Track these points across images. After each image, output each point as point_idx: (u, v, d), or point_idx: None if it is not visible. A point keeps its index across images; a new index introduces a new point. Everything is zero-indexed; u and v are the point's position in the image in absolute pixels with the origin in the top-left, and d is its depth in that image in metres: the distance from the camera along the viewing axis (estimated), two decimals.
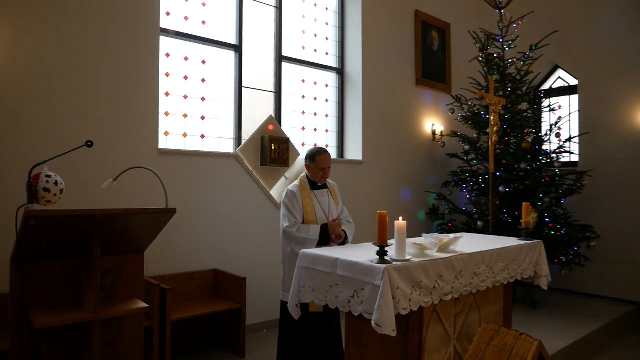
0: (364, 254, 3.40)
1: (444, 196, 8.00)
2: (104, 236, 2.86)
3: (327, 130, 7.38)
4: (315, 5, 7.26)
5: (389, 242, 3.21)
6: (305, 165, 4.37)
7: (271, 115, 6.28)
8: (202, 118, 5.92)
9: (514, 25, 7.58)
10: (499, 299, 4.34)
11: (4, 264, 2.94)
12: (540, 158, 7.34)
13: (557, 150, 7.41)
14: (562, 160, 7.61)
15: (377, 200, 7.41)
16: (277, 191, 6.16)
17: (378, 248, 3.16)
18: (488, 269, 3.88)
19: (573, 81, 8.50)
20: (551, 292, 7.74)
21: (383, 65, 7.68)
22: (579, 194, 7.37)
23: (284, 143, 6.18)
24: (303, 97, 7.04)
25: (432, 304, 3.35)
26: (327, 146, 7.34)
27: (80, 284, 2.94)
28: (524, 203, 4.75)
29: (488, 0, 7.68)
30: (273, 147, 6.05)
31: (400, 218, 3.27)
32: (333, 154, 7.40)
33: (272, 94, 6.65)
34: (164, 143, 5.55)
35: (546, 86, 8.94)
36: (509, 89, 7.57)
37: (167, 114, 5.62)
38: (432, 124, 8.50)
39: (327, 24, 7.44)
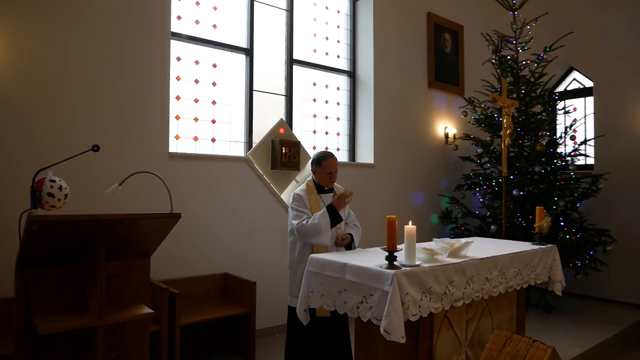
0: (373, 259, 3.35)
1: (457, 200, 7.93)
2: (108, 241, 2.84)
3: (338, 134, 7.34)
4: (327, 8, 7.23)
5: (399, 247, 3.17)
6: (312, 169, 4.32)
7: (282, 119, 6.26)
8: (213, 122, 5.91)
9: (528, 27, 7.50)
10: (511, 305, 4.27)
11: (10, 269, 2.92)
12: (555, 161, 7.26)
13: (572, 153, 7.33)
14: (577, 163, 7.51)
15: (388, 204, 7.36)
16: (288, 195, 6.13)
17: (387, 253, 3.12)
18: (500, 274, 3.81)
19: (588, 83, 8.40)
20: (566, 297, 7.64)
21: (395, 67, 7.63)
22: (595, 197, 7.27)
23: (295, 146, 6.15)
24: (314, 100, 7.01)
25: (443, 310, 3.29)
26: (338, 149, 7.31)
27: (86, 289, 2.92)
28: (537, 207, 4.68)
29: (501, 2, 7.60)
30: (284, 151, 6.02)
31: (410, 222, 3.23)
32: (344, 157, 7.37)
33: (283, 97, 6.63)
34: (174, 147, 5.54)
35: (561, 88, 8.85)
36: (523, 91, 7.50)
37: (177, 117, 5.61)
38: (445, 126, 8.43)
39: (338, 26, 7.41)
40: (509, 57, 7.59)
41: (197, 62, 5.80)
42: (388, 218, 3.13)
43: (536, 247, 4.42)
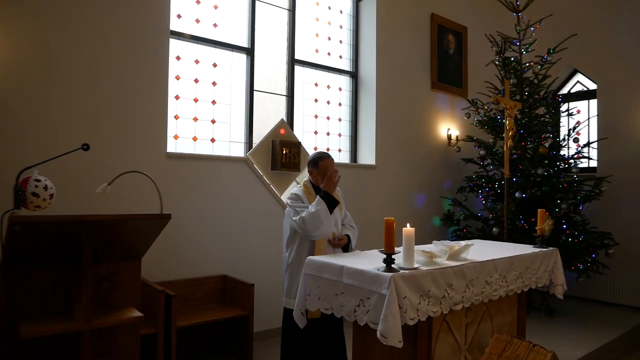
0: (370, 261, 3.30)
1: (459, 202, 7.87)
2: (96, 243, 2.78)
3: (340, 135, 7.29)
4: (329, 8, 7.19)
5: (397, 249, 3.11)
6: (308, 170, 4.25)
7: (282, 119, 6.21)
8: (213, 122, 5.87)
9: (532, 29, 7.45)
10: (512, 308, 4.21)
11: None
12: (558, 163, 7.22)
13: (575, 156, 7.28)
14: (580, 165, 7.44)
15: (390, 206, 7.31)
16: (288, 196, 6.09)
17: (385, 256, 3.07)
18: (501, 278, 3.76)
19: (592, 85, 8.35)
20: (568, 300, 7.61)
21: (398, 68, 7.58)
22: (597, 200, 7.22)
23: (295, 147, 6.10)
24: (316, 100, 6.97)
25: (442, 314, 3.24)
26: (339, 150, 7.26)
27: (73, 292, 2.86)
28: (539, 209, 4.62)
29: (506, 4, 7.54)
30: (284, 152, 5.98)
31: (408, 225, 3.18)
32: (345, 158, 7.32)
33: (284, 97, 6.58)
34: (173, 147, 5.50)
35: (564, 90, 8.79)
36: (526, 93, 7.45)
37: (177, 117, 5.57)
38: (448, 128, 8.38)
39: (341, 27, 7.36)
40: (512, 59, 7.53)
41: (197, 62, 5.75)
42: (386, 220, 3.08)
43: (538, 250, 4.36)
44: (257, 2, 6.25)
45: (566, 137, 7.41)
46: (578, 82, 8.63)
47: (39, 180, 2.81)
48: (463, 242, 3.78)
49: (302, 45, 6.81)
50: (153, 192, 3.60)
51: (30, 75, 4.40)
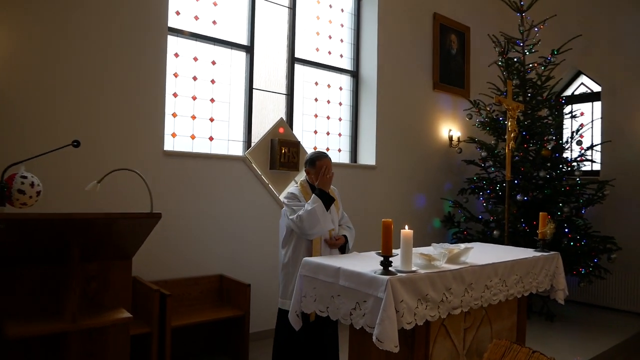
0: (368, 263, 3.23)
1: (459, 204, 7.80)
2: (85, 242, 2.71)
3: (340, 134, 7.22)
4: (331, 6, 7.11)
5: (395, 251, 3.04)
6: (305, 170, 4.21)
7: (282, 118, 6.14)
8: (211, 120, 5.80)
9: (536, 29, 7.38)
10: (512, 313, 4.14)
11: None
12: (561, 166, 7.16)
13: (578, 159, 7.22)
14: (583, 168, 7.38)
15: (390, 207, 7.23)
16: None
17: (382, 258, 2.99)
18: (500, 282, 3.68)
19: (596, 88, 8.27)
20: (569, 305, 7.53)
21: (399, 68, 7.50)
22: (600, 204, 7.15)
23: (295, 146, 6.03)
24: (316, 99, 6.89)
25: (440, 318, 3.17)
26: (339, 150, 7.19)
27: (62, 292, 2.78)
28: (541, 213, 4.54)
29: (509, 3, 7.46)
30: (283, 151, 5.90)
31: (407, 227, 3.10)
32: (345, 158, 7.25)
33: (284, 96, 6.51)
34: (170, 145, 5.43)
35: (568, 92, 8.71)
36: (529, 95, 7.38)
37: (174, 115, 5.50)
38: (449, 129, 8.31)
39: (342, 25, 7.29)
40: (515, 60, 7.46)
41: (195, 59, 5.68)
42: (384, 221, 3.01)
43: (539, 254, 4.28)
44: None
45: (569, 140, 7.34)
46: (582, 84, 8.56)
47: (25, 177, 2.74)
48: (462, 245, 3.70)
49: (302, 44, 6.73)
50: (146, 190, 3.54)
51: (23, 70, 4.33)
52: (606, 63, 7.96)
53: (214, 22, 5.85)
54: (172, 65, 5.44)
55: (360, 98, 7.38)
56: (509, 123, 6.15)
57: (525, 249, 4.66)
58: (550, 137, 7.24)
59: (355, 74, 7.38)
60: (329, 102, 7.06)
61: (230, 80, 5.99)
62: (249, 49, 6.11)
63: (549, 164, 7.03)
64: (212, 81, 5.82)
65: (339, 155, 7.17)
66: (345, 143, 7.31)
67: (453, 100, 8.38)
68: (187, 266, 5.26)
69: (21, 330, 2.49)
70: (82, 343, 2.79)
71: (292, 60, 6.55)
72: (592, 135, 8.16)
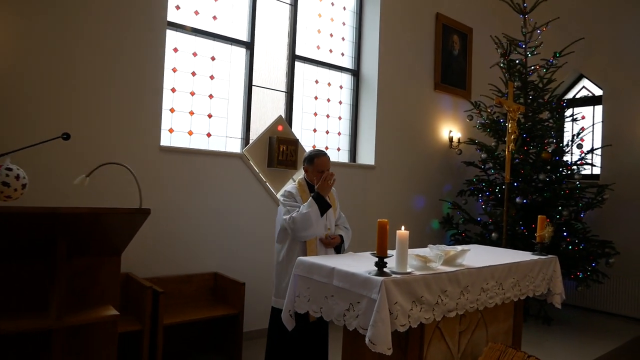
0: (363, 264, 3.18)
1: (458, 205, 7.76)
2: (71, 237, 2.65)
3: (339, 133, 7.17)
4: (333, 4, 7.07)
5: (390, 252, 2.99)
6: (304, 167, 4.20)
7: (280, 115, 6.09)
8: (209, 116, 5.75)
9: (538, 31, 7.33)
10: (508, 317, 4.09)
11: None
12: (561, 169, 7.12)
13: (578, 162, 7.18)
14: (583, 172, 7.34)
15: (388, 208, 7.19)
16: None
17: (377, 259, 2.95)
18: (497, 285, 3.64)
19: (598, 91, 8.23)
20: (567, 309, 7.51)
21: (400, 68, 7.46)
22: (600, 208, 7.12)
23: (293, 144, 5.98)
24: (316, 98, 6.85)
25: (434, 321, 3.12)
26: (338, 149, 7.15)
27: (48, 288, 2.72)
28: (539, 216, 4.50)
29: (512, 5, 7.42)
30: (281, 149, 5.86)
31: (403, 227, 3.06)
32: (344, 157, 7.21)
33: (284, 93, 6.46)
34: (167, 140, 5.38)
35: (569, 95, 8.67)
36: (530, 97, 7.34)
37: (172, 110, 5.46)
38: (450, 130, 8.26)
39: (344, 24, 7.24)
40: (517, 62, 7.42)
41: (195, 54, 5.64)
42: (379, 222, 2.96)
43: (536, 257, 4.24)
44: None
45: (570, 143, 7.31)
46: (584, 87, 8.51)
47: (10, 169, 2.69)
48: (459, 247, 3.66)
49: (303, 41, 6.69)
50: (141, 186, 3.50)
51: (16, 61, 4.28)
52: (608, 67, 7.92)
53: (214, 18, 5.81)
54: (170, 60, 5.40)
55: (360, 97, 7.33)
56: (509, 125, 6.11)
57: (523, 252, 4.62)
58: (550, 140, 7.20)
59: (356, 72, 7.33)
60: (329, 100, 7.01)
61: (230, 77, 5.94)
62: (249, 46, 6.06)
63: (549, 167, 6.98)
64: (211, 77, 5.77)
65: (338, 154, 7.12)
66: (344, 142, 7.27)
67: (454, 101, 8.34)
68: (181, 263, 5.21)
69: (4, 327, 2.44)
70: (68, 340, 2.73)
71: (293, 57, 6.51)
72: (592, 139, 8.13)
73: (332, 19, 7.06)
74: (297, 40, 6.57)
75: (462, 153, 8.23)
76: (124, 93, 4.85)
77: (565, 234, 6.72)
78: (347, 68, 7.25)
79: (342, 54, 7.22)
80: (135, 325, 4.10)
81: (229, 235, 5.58)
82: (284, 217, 3.93)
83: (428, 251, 3.52)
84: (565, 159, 7.41)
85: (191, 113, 5.61)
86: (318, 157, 4.09)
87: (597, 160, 7.90)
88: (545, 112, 7.41)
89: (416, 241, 4.44)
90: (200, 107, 5.69)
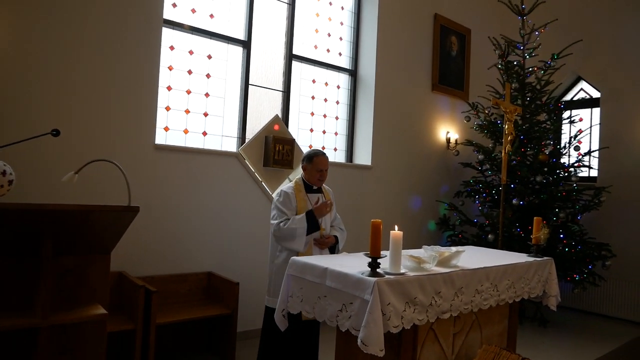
0: (356, 264, 3.15)
1: (455, 206, 7.74)
2: (59, 234, 2.62)
3: (336, 133, 7.15)
4: (331, 3, 7.04)
5: (384, 253, 2.97)
6: (302, 166, 4.23)
7: (277, 115, 6.06)
8: (205, 115, 5.72)
9: (536, 33, 7.31)
10: (503, 318, 4.07)
11: None
12: (558, 171, 7.10)
13: (576, 164, 7.17)
14: (580, 174, 7.33)
15: (384, 208, 7.17)
16: None
17: (370, 259, 2.92)
18: (492, 287, 3.61)
19: (595, 93, 8.21)
20: (563, 311, 7.49)
21: (398, 68, 7.43)
22: (596, 210, 7.11)
23: (289, 144, 5.95)
24: (313, 97, 6.82)
25: (428, 322, 3.10)
26: (335, 149, 7.12)
27: (35, 286, 2.68)
28: (535, 217, 4.47)
29: (511, 7, 7.40)
30: (277, 148, 5.83)
31: (396, 227, 3.03)
32: (341, 157, 7.18)
33: (281, 93, 6.43)
34: (162, 138, 5.35)
35: (567, 97, 8.65)
36: (528, 99, 7.32)
37: (167, 108, 5.42)
38: (447, 131, 8.24)
39: (341, 23, 7.22)
40: (515, 63, 7.40)
41: (191, 52, 5.61)
42: (373, 222, 2.93)
43: (532, 259, 4.22)
44: None
45: (567, 145, 7.30)
46: (581, 89, 8.50)
47: None
48: (454, 248, 3.63)
49: (300, 41, 6.66)
50: (136, 184, 3.47)
51: (9, 59, 4.24)
52: (606, 69, 7.90)
53: (211, 16, 5.78)
54: (166, 58, 5.37)
55: (357, 97, 7.31)
56: (507, 126, 6.09)
57: (519, 253, 4.60)
58: (548, 141, 7.20)
59: (353, 72, 7.30)
60: (326, 100, 6.98)
61: (226, 75, 5.91)
62: (246, 44, 6.03)
63: (546, 169, 6.97)
64: (208, 75, 5.74)
65: (335, 154, 7.10)
66: (341, 142, 7.24)
67: (451, 102, 8.32)
68: (175, 262, 5.18)
69: None
70: (55, 339, 2.70)
71: (290, 57, 6.48)
72: (590, 141, 8.11)
73: (329, 19, 7.03)
74: (295, 39, 6.54)
75: (459, 154, 8.21)
76: (119, 91, 4.82)
77: (561, 236, 6.70)
78: (344, 68, 7.23)
79: (340, 54, 7.19)
80: (128, 325, 4.07)
81: (224, 234, 5.55)
82: (272, 221, 4.03)
83: (422, 252, 3.49)
84: (562, 161, 7.41)
85: (187, 111, 5.58)
86: (317, 156, 4.16)
87: (595, 162, 7.88)
88: (543, 114, 7.39)
89: (413, 242, 4.41)
90: (196, 105, 5.66)
